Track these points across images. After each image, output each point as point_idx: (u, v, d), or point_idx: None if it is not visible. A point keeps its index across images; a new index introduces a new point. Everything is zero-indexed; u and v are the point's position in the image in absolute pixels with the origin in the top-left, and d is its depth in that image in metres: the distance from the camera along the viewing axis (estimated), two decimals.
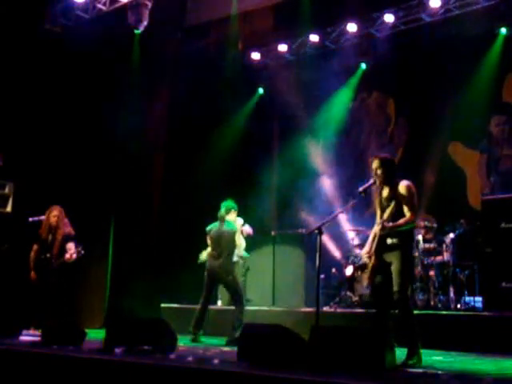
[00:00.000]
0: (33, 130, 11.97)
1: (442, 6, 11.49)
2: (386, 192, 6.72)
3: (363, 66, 13.14)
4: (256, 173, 13.32)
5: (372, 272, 6.67)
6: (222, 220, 9.51)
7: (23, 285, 10.52)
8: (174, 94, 12.58)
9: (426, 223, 10.19)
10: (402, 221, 6.50)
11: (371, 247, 6.66)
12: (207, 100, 12.74)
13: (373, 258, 6.62)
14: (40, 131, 12.03)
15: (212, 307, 11.19)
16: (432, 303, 9.65)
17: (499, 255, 8.90)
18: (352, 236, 11.41)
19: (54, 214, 9.96)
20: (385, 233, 6.52)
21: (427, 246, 10.20)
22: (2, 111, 11.44)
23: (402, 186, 6.58)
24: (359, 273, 10.73)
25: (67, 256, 9.66)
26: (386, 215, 6.52)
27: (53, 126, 11.97)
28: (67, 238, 9.84)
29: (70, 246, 9.78)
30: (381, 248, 6.57)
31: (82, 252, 9.75)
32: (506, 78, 11.65)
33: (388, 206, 6.61)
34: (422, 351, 6.50)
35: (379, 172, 6.70)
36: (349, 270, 10.93)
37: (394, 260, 6.53)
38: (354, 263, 10.97)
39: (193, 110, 12.64)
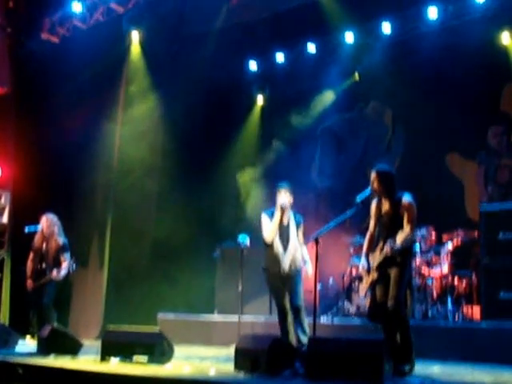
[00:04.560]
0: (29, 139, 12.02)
1: (439, 16, 11.51)
2: (386, 206, 6.73)
3: (361, 75, 13.13)
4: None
5: (371, 285, 6.69)
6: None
7: (20, 294, 10.49)
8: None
9: (424, 233, 10.18)
10: (403, 239, 6.50)
11: (369, 261, 6.75)
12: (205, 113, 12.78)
13: (373, 272, 6.65)
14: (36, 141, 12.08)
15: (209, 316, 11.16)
16: (430, 314, 9.62)
17: (497, 265, 8.88)
18: (349, 246, 11.35)
19: (48, 222, 9.91)
20: (393, 253, 6.53)
21: (425, 256, 10.18)
22: None
23: (405, 202, 6.60)
24: (357, 283, 10.69)
25: (54, 274, 9.51)
26: (398, 240, 6.51)
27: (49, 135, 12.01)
28: (62, 249, 9.76)
29: (65, 257, 9.70)
30: (383, 263, 6.61)
31: (74, 266, 9.63)
32: (503, 87, 11.64)
33: (388, 221, 6.67)
34: (415, 359, 6.53)
35: (375, 185, 6.73)
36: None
37: (392, 271, 6.56)
38: (351, 274, 10.92)
39: (190, 122, 12.62)
